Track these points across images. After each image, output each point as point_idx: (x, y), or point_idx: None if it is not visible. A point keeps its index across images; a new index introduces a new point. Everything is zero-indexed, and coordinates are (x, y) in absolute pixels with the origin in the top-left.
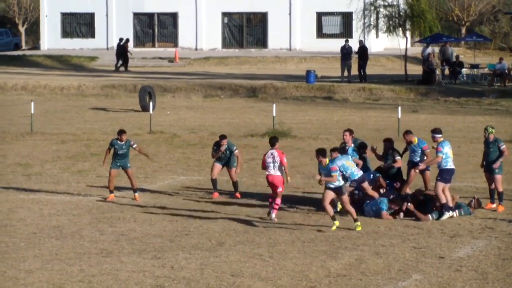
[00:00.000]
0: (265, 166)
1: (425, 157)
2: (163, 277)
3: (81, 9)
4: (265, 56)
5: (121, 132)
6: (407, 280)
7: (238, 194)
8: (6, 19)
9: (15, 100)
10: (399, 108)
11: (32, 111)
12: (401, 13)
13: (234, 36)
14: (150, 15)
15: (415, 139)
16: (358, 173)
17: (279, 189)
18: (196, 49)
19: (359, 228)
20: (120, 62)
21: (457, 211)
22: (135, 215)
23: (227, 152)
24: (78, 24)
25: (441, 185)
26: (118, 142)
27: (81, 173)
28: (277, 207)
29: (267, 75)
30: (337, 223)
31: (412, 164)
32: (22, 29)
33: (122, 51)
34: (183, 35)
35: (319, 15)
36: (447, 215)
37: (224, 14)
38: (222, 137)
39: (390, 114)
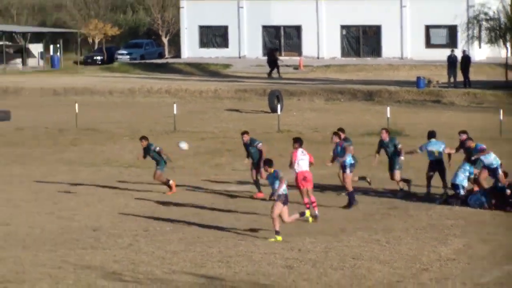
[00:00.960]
0: (294, 164)
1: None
2: (292, 258)
3: (216, 22)
4: (380, 64)
5: (140, 138)
6: None
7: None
8: (151, 32)
9: (160, 102)
10: (501, 110)
11: (175, 112)
12: (501, 26)
13: (351, 46)
14: (277, 28)
15: (473, 144)
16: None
17: (311, 186)
18: (318, 57)
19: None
20: (275, 69)
21: None
22: (266, 204)
23: (249, 147)
24: (214, 36)
25: None
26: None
27: (218, 166)
28: (315, 204)
29: (382, 81)
30: (279, 238)
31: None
32: (165, 40)
33: (272, 58)
34: (306, 45)
35: (427, 28)
36: None
37: (343, 27)
38: (244, 132)
39: (492, 116)
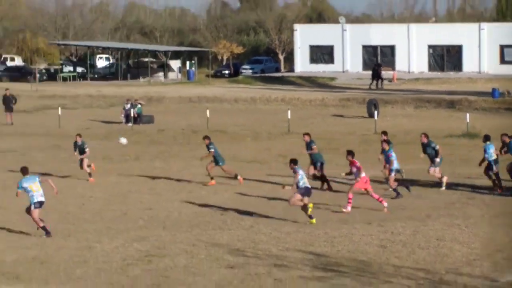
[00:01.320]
0: (362, 170)
1: None
2: (386, 239)
3: (324, 43)
4: (460, 78)
5: (203, 137)
6: None
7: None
8: (270, 50)
9: (277, 109)
10: None
11: (289, 117)
12: None
13: (437, 62)
14: (374, 47)
15: (508, 140)
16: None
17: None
18: (408, 72)
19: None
20: (375, 82)
21: None
22: (362, 196)
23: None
24: (322, 54)
25: None
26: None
27: (326, 162)
28: (381, 199)
29: (462, 91)
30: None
31: None
32: (281, 57)
33: (376, 73)
34: (399, 62)
35: (502, 47)
36: None
37: (430, 46)
38: (305, 134)
39: None
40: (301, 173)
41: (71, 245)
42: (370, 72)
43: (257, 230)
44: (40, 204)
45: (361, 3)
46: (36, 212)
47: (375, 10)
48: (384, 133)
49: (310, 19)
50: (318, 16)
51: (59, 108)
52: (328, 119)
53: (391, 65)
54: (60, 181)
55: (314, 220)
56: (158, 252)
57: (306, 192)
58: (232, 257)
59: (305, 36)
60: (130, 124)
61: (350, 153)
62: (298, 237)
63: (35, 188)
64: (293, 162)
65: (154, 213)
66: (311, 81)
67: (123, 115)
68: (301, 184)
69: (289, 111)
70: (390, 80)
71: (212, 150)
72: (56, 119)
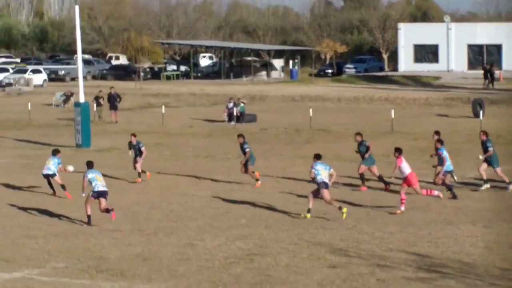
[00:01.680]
0: (396, 168)
1: None
2: (491, 241)
3: (428, 42)
4: None
5: (238, 136)
6: None
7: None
8: (373, 49)
9: (380, 108)
10: None
11: (392, 116)
12: None
13: None
14: (480, 46)
15: None
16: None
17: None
18: None
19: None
20: (488, 81)
21: None
22: (470, 194)
23: (360, 146)
24: (426, 53)
25: None
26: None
27: (428, 162)
28: (431, 192)
29: None
30: (308, 215)
31: None
32: (385, 56)
33: (489, 72)
34: (506, 61)
35: None
36: None
37: None
38: (357, 134)
39: None
40: (316, 168)
41: (174, 242)
42: (475, 72)
43: (360, 229)
44: (98, 194)
45: (466, 2)
46: (91, 201)
47: (481, 8)
48: (437, 133)
49: (414, 18)
50: (423, 15)
51: (163, 106)
52: (432, 118)
53: (498, 64)
54: (163, 179)
55: (309, 215)
56: (260, 250)
57: (326, 186)
58: (334, 256)
59: (409, 35)
60: (232, 123)
61: (397, 150)
62: (402, 238)
63: (100, 178)
64: (316, 157)
65: (256, 211)
66: (415, 80)
67: (226, 114)
68: (318, 179)
69: (392, 110)
70: (497, 80)
71: (248, 150)
72: (159, 117)
